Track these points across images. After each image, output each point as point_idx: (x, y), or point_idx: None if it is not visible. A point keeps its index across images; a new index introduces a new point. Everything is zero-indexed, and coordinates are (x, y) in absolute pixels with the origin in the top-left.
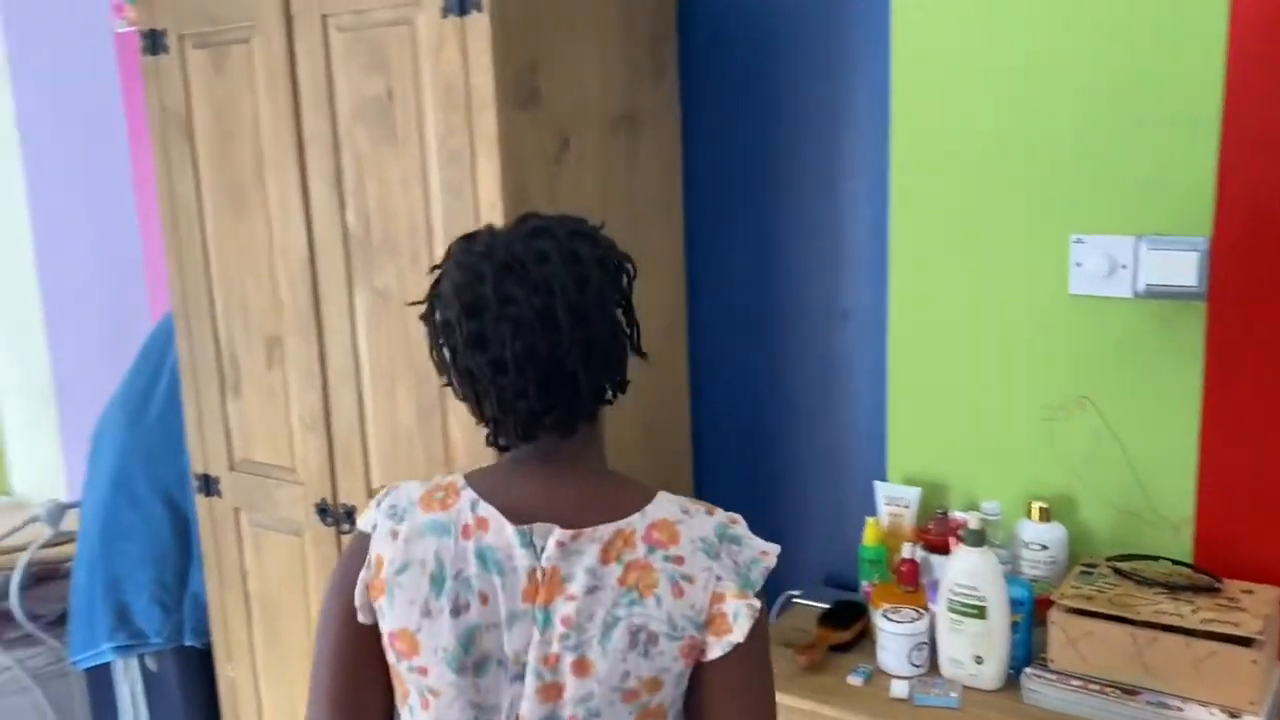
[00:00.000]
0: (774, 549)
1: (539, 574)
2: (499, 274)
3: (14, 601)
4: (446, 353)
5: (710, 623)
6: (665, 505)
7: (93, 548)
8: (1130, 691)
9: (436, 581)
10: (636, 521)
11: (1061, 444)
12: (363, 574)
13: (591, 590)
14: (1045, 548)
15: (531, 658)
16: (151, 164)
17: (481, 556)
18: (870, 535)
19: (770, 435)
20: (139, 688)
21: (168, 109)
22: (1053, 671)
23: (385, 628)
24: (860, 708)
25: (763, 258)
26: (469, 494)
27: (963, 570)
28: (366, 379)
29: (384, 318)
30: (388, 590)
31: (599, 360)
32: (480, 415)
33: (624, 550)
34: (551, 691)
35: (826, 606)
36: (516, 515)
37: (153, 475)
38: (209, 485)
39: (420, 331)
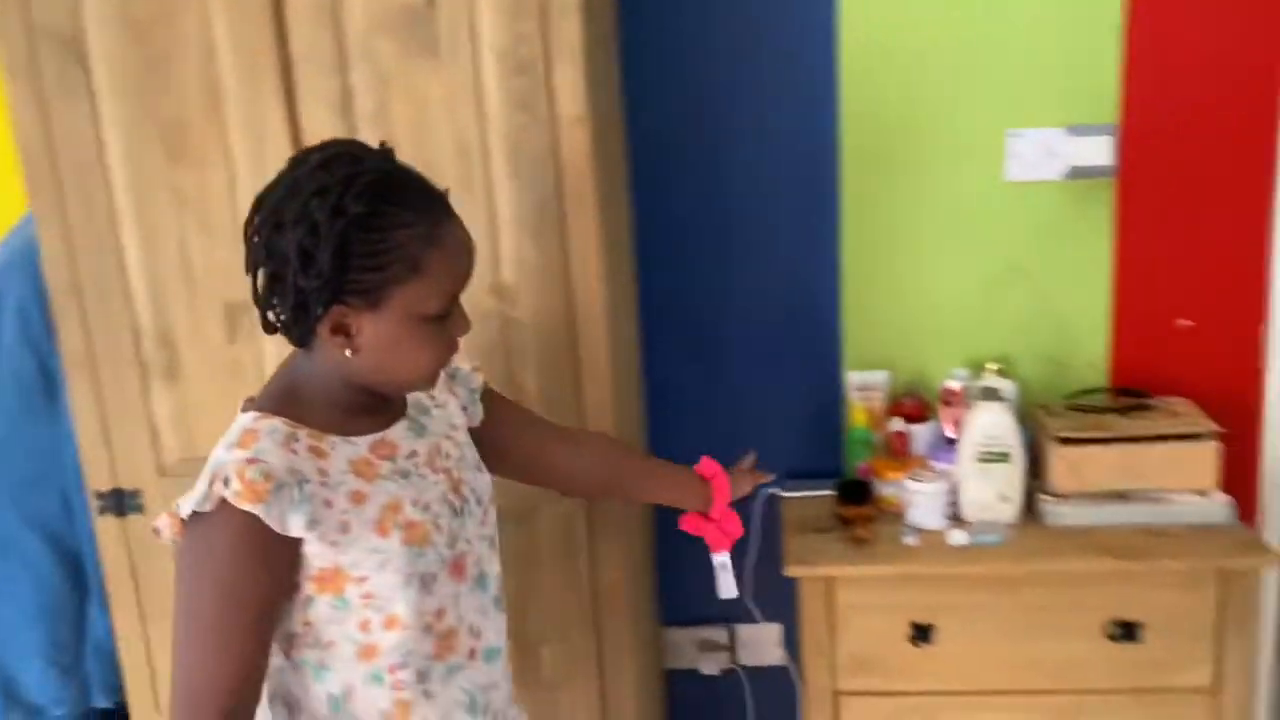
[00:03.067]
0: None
1: None
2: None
3: None
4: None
5: None
6: None
7: None
8: (1122, 496)
9: None
10: None
11: (1001, 313)
12: None
13: None
14: (1006, 403)
15: None
16: None
17: None
18: (858, 419)
19: (723, 345)
20: None
21: (42, 28)
22: (1062, 495)
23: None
24: (933, 561)
25: (712, 161)
26: None
27: (987, 424)
28: None
29: None
30: None
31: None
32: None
33: None
34: None
35: (822, 493)
36: None
37: (23, 507)
38: (121, 502)
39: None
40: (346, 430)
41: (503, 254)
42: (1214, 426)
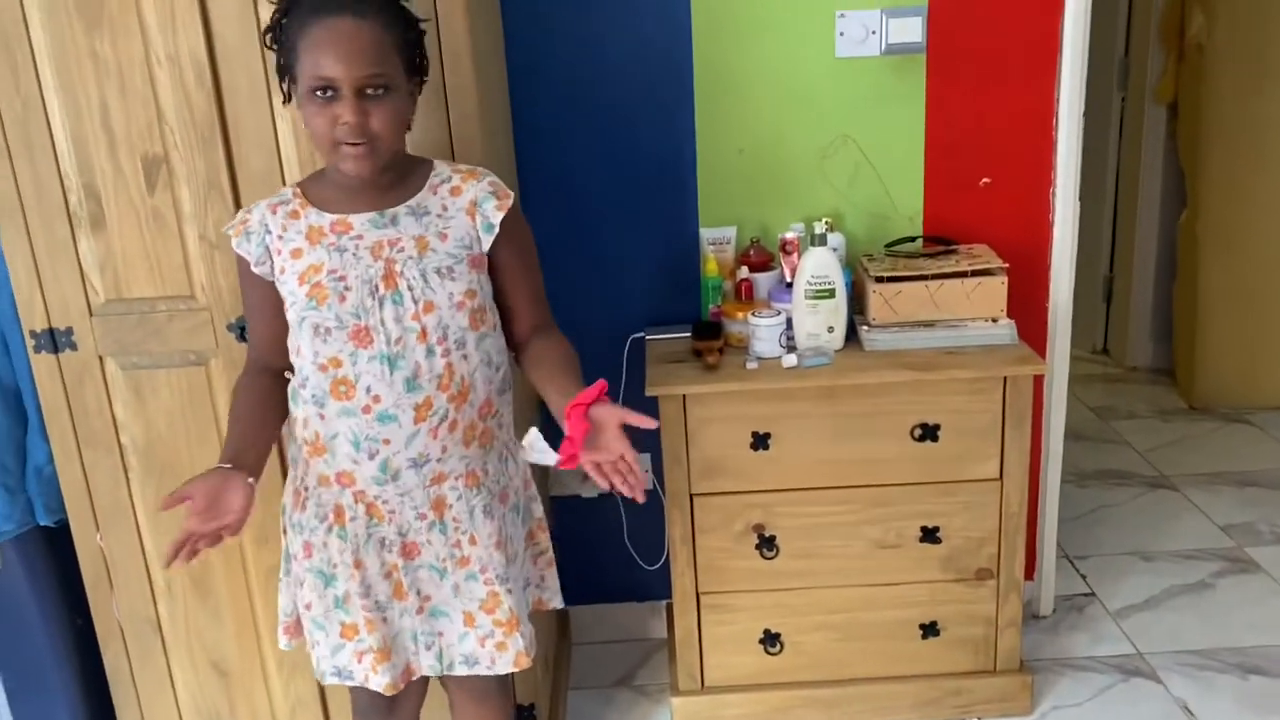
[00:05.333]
0: None
1: None
2: None
3: None
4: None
5: None
6: None
7: None
8: (929, 324)
9: None
10: None
11: (831, 175)
12: None
13: None
14: (835, 250)
15: None
16: None
17: None
18: (711, 268)
19: (592, 206)
20: None
21: None
22: (878, 325)
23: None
24: (768, 380)
25: (582, 36)
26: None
27: (816, 264)
28: (296, 179)
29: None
30: None
31: None
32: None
33: None
34: None
35: (681, 335)
36: None
37: None
38: (55, 340)
39: None
40: (335, 207)
41: None
42: (1003, 265)
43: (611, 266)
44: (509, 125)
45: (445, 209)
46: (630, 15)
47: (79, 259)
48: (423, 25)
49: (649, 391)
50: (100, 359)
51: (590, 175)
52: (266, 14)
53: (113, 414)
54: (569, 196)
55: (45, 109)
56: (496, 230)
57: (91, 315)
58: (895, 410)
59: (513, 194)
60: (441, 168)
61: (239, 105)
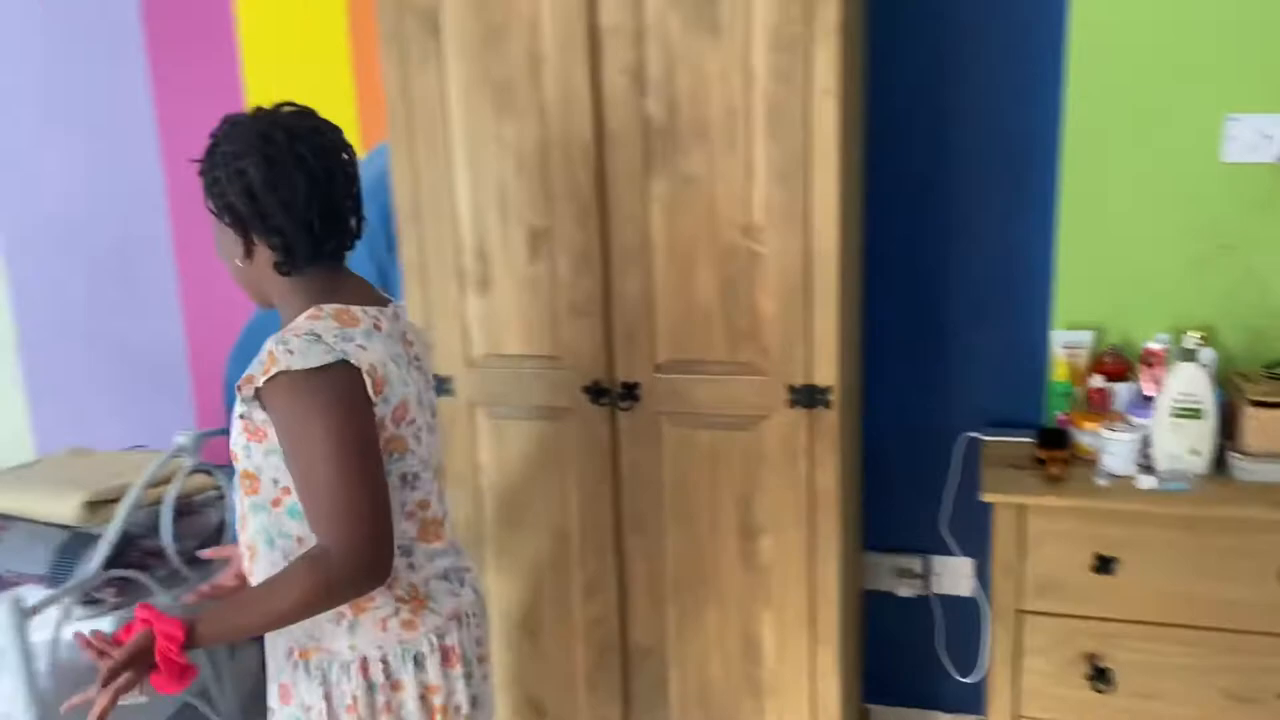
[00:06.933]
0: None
1: (402, 335)
2: (290, 140)
3: (166, 538)
4: (239, 200)
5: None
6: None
7: None
8: None
9: (398, 363)
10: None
11: (1207, 285)
12: (366, 380)
13: (417, 343)
14: (1205, 366)
15: (424, 388)
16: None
17: (391, 337)
18: (1060, 373)
19: (939, 296)
20: None
21: (408, 5)
22: (1253, 454)
23: (388, 408)
24: (1120, 499)
25: (941, 130)
26: (355, 309)
27: (1184, 380)
28: (659, 260)
29: (687, 200)
30: (386, 380)
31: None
32: (290, 245)
33: (406, 322)
34: (431, 408)
35: (1024, 440)
36: (371, 305)
37: None
38: (437, 386)
39: (723, 210)
40: None
41: (755, 200)
42: None
43: (950, 360)
44: (860, 206)
45: None
46: (994, 103)
47: (465, 316)
48: (213, 174)
49: (986, 497)
50: (471, 406)
51: (938, 263)
52: (652, 106)
53: (476, 458)
54: (913, 282)
55: (454, 183)
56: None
57: (469, 366)
58: (1264, 551)
59: (279, 365)
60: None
61: (619, 187)
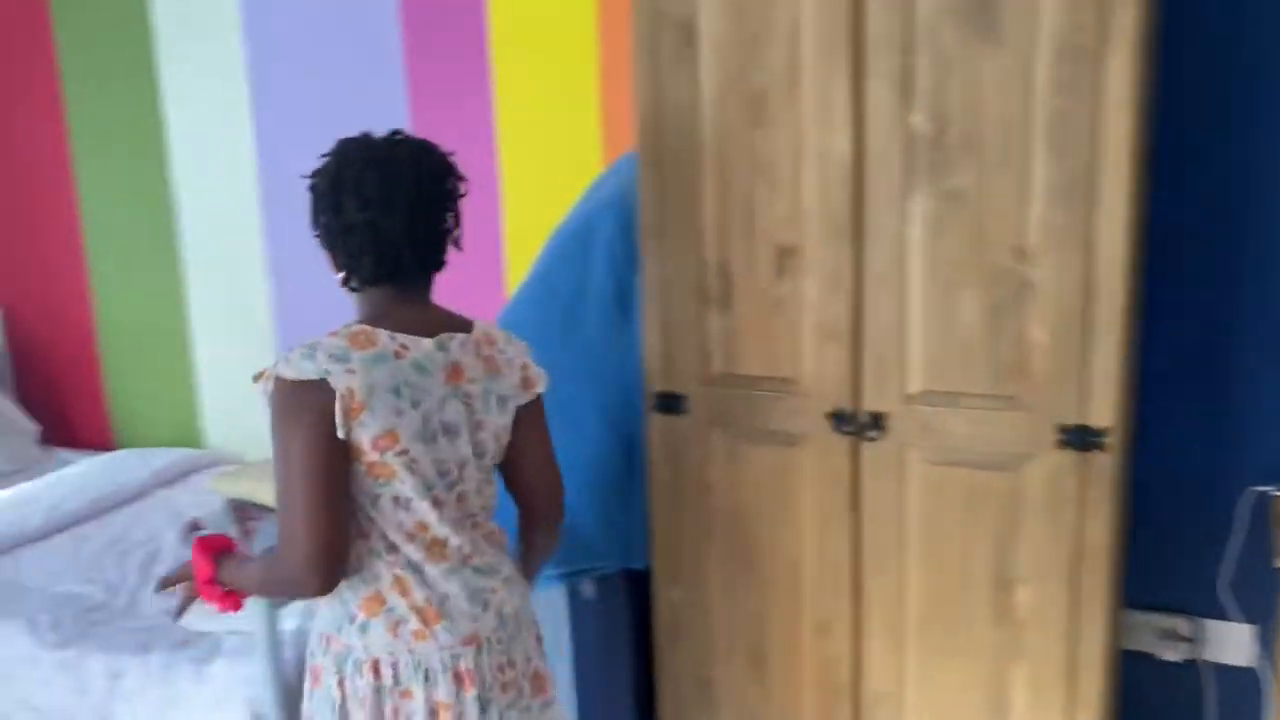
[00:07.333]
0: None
1: (450, 367)
2: (356, 165)
3: None
4: (312, 218)
5: (524, 383)
6: (480, 323)
7: None
8: None
9: (396, 392)
10: (479, 332)
11: None
12: (337, 404)
13: (479, 376)
14: None
15: (462, 422)
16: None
17: (415, 367)
18: None
19: (1228, 330)
20: (563, 616)
21: (664, 13)
22: None
23: (367, 435)
24: None
25: (1237, 150)
26: (383, 332)
27: None
28: (916, 282)
29: (952, 219)
30: (368, 408)
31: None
32: (350, 265)
33: (481, 349)
34: (474, 442)
35: None
36: (422, 335)
37: (597, 397)
38: (672, 404)
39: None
40: None
41: (1030, 220)
42: None
43: (1238, 402)
44: (1143, 228)
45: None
46: None
47: (704, 333)
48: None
49: None
50: (706, 426)
51: (1228, 293)
52: (917, 119)
53: (708, 479)
54: (1198, 314)
55: (700, 196)
56: None
57: (705, 385)
58: None
59: (274, 368)
60: None
61: (876, 205)
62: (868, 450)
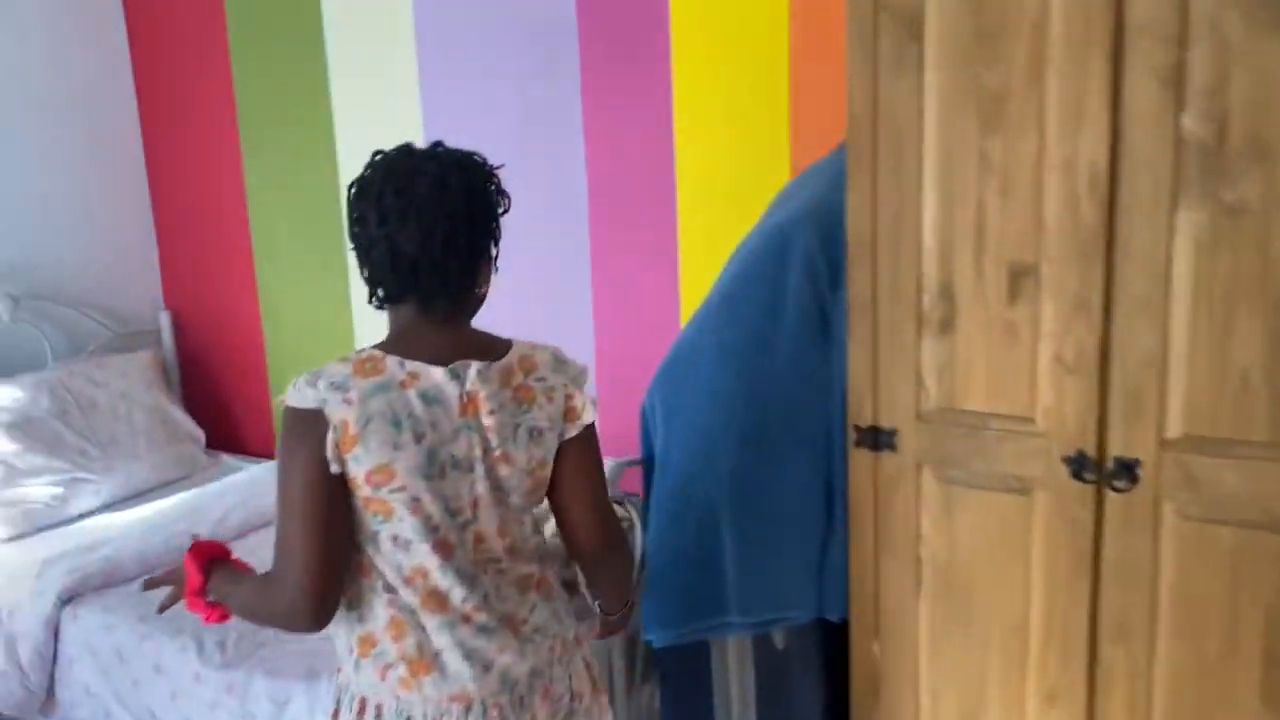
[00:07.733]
0: (585, 364)
1: (464, 397)
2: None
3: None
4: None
5: (566, 414)
6: (520, 346)
7: (711, 511)
8: None
9: (395, 424)
10: (511, 358)
11: None
12: (330, 436)
13: (501, 406)
14: None
15: (475, 456)
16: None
17: (423, 397)
18: None
19: None
20: (748, 665)
21: (885, 4)
22: None
23: (361, 469)
24: None
25: None
26: (393, 359)
27: None
28: (1180, 309)
29: (1231, 237)
30: (362, 440)
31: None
32: (371, 281)
33: (511, 377)
34: (492, 478)
35: None
36: (436, 362)
37: (795, 428)
38: (877, 439)
39: None
40: None
41: None
42: None
43: None
44: None
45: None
46: None
47: (919, 361)
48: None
49: None
50: (918, 466)
51: None
52: (1192, 121)
53: (918, 524)
54: None
55: (920, 208)
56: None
57: (918, 419)
58: None
59: (285, 396)
60: None
61: (1133, 220)
62: (1113, 502)
